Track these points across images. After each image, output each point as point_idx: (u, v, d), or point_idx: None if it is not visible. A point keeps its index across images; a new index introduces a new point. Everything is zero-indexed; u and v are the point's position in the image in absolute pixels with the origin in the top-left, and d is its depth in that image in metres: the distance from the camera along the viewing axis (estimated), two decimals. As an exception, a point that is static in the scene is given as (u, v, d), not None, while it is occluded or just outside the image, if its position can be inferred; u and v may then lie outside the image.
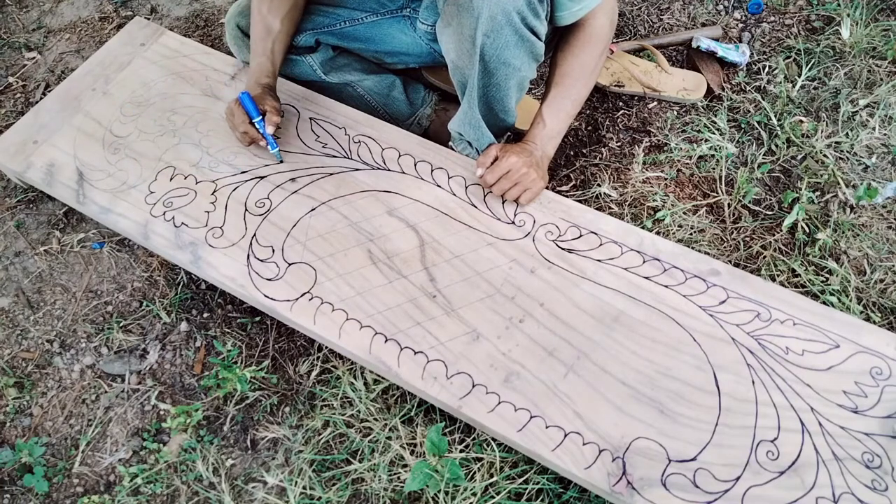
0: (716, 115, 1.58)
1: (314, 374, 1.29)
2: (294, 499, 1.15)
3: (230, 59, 1.50)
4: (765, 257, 1.38)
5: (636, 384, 1.07)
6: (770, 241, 1.40)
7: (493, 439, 1.15)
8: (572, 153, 1.59)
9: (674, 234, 1.41)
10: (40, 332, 1.40)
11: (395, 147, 1.35)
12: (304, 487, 1.17)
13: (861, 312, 1.29)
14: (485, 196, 1.27)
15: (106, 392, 1.33)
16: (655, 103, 1.65)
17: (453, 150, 1.37)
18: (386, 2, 1.39)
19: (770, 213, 1.45)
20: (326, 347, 1.31)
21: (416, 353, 1.12)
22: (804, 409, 1.03)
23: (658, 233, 1.41)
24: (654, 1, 1.85)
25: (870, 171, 1.48)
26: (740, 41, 1.74)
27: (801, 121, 1.55)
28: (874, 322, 1.27)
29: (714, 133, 1.55)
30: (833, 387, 1.05)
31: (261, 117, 1.24)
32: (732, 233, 1.43)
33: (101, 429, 1.29)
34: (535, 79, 1.33)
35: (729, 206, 1.45)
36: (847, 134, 1.52)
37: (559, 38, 1.26)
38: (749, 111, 1.59)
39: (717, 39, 1.69)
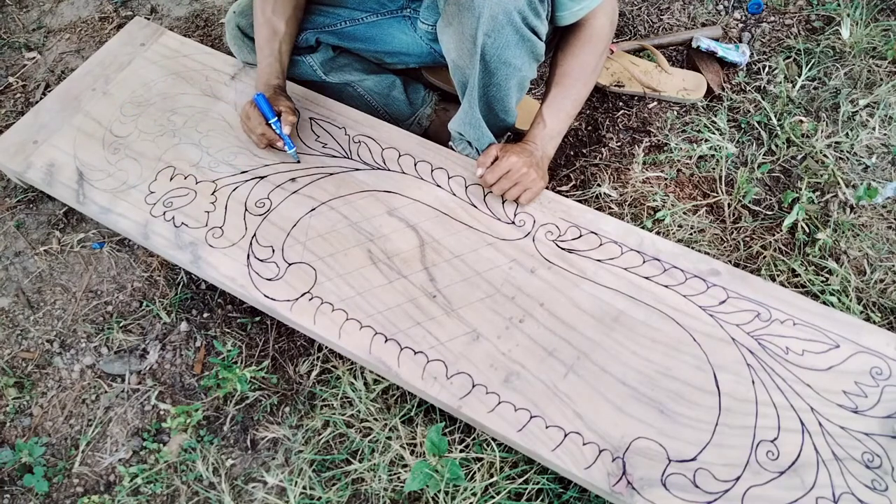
0: (716, 115, 1.58)
1: (314, 374, 1.29)
2: (294, 499, 1.15)
3: (230, 59, 1.50)
4: (765, 257, 1.38)
5: (636, 384, 1.07)
6: (770, 241, 1.40)
7: (493, 439, 1.15)
8: (572, 153, 1.59)
9: (674, 234, 1.41)
10: (40, 332, 1.40)
11: (395, 147, 1.35)
12: (304, 487, 1.17)
13: (861, 312, 1.29)
14: (485, 196, 1.27)
15: (106, 392, 1.33)
16: (655, 103, 1.65)
17: (453, 150, 1.37)
18: (386, 2, 1.39)
19: (770, 213, 1.45)
20: (326, 347, 1.31)
21: (416, 353, 1.12)
22: (804, 409, 1.03)
23: (658, 233, 1.41)
24: (654, 1, 1.85)
25: (870, 171, 1.48)
26: (740, 41, 1.74)
27: (801, 121, 1.55)
28: (874, 322, 1.27)
29: (714, 133, 1.55)
30: (833, 387, 1.05)
31: (276, 118, 1.25)
32: (732, 233, 1.43)
33: (101, 429, 1.29)
34: (535, 79, 1.33)
35: (729, 206, 1.45)
36: (847, 134, 1.52)
37: (559, 38, 1.26)
38: (749, 111, 1.59)
39: (717, 39, 1.69)
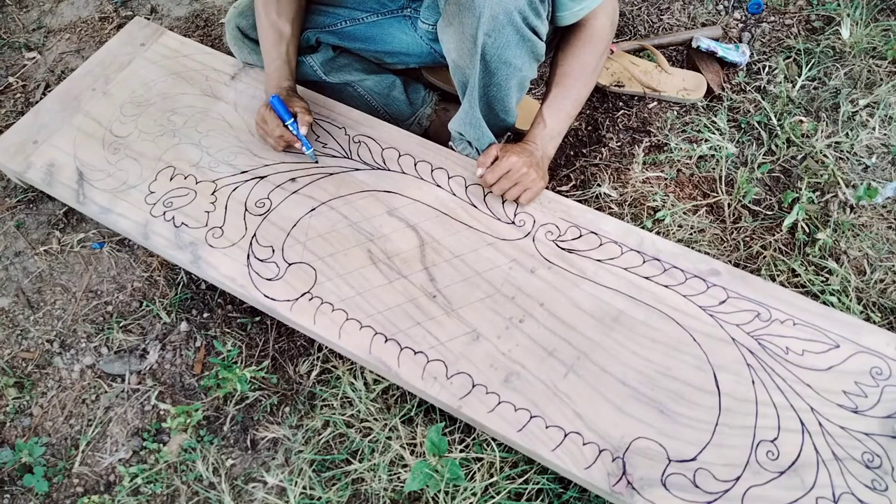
0: (716, 115, 1.58)
1: (314, 374, 1.29)
2: (294, 499, 1.15)
3: (230, 59, 1.50)
4: (765, 257, 1.38)
5: (636, 384, 1.07)
6: (770, 241, 1.40)
7: (493, 439, 1.15)
8: (572, 153, 1.59)
9: (674, 234, 1.41)
10: (40, 332, 1.40)
11: (395, 147, 1.35)
12: (304, 487, 1.17)
13: (861, 312, 1.29)
14: (485, 196, 1.27)
15: (106, 392, 1.33)
16: (655, 103, 1.65)
17: (453, 149, 1.37)
18: (386, 1, 1.39)
19: (770, 213, 1.45)
20: (326, 347, 1.30)
21: (416, 353, 1.12)
22: (804, 409, 1.03)
23: (658, 233, 1.41)
24: (654, 1, 1.85)
25: (870, 171, 1.48)
26: (740, 41, 1.74)
27: (801, 121, 1.55)
28: (874, 322, 1.27)
29: (714, 133, 1.55)
30: (833, 387, 1.05)
31: (292, 119, 1.25)
32: (732, 233, 1.43)
33: (101, 429, 1.29)
34: (535, 79, 1.33)
35: (729, 206, 1.45)
36: (847, 134, 1.52)
37: (560, 38, 1.26)
38: (749, 111, 1.59)
39: (717, 39, 1.69)
